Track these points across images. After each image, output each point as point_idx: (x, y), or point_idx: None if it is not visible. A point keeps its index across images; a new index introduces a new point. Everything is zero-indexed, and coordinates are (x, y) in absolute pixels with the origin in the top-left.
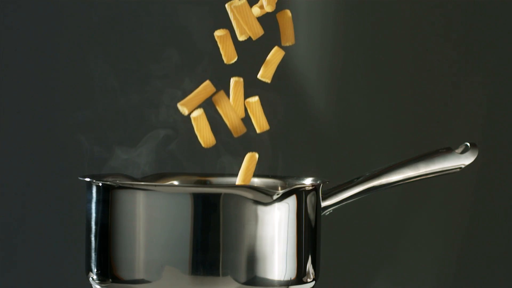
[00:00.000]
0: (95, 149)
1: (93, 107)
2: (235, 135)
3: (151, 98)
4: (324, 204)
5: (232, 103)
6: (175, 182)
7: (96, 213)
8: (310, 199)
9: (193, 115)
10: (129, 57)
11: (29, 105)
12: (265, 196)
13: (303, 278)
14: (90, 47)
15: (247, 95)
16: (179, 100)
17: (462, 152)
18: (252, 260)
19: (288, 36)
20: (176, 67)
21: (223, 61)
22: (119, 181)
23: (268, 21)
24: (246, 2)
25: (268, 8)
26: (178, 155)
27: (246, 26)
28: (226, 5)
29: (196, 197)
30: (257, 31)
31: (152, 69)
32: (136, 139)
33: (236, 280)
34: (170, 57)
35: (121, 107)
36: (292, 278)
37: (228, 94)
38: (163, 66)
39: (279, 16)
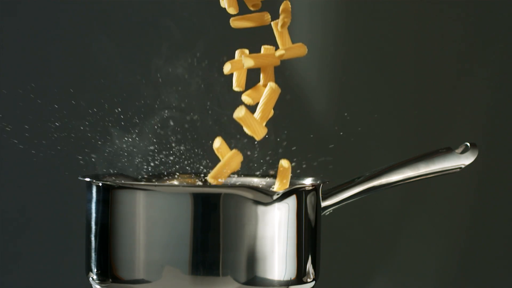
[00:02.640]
0: (93, 136)
1: (92, 95)
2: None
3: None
4: (324, 204)
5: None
6: (175, 182)
7: (96, 213)
8: (310, 199)
9: (238, 115)
10: (128, 38)
11: (28, 100)
12: (265, 196)
13: (303, 278)
14: (89, 30)
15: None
16: (178, 81)
17: (462, 152)
18: (252, 260)
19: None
20: (175, 44)
21: (220, 38)
22: (119, 181)
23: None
24: (247, 112)
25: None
26: (177, 143)
27: (250, 130)
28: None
29: (196, 197)
30: (260, 133)
31: (151, 48)
32: (136, 125)
33: (236, 280)
34: (168, 35)
35: (121, 91)
36: (292, 278)
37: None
38: (162, 45)
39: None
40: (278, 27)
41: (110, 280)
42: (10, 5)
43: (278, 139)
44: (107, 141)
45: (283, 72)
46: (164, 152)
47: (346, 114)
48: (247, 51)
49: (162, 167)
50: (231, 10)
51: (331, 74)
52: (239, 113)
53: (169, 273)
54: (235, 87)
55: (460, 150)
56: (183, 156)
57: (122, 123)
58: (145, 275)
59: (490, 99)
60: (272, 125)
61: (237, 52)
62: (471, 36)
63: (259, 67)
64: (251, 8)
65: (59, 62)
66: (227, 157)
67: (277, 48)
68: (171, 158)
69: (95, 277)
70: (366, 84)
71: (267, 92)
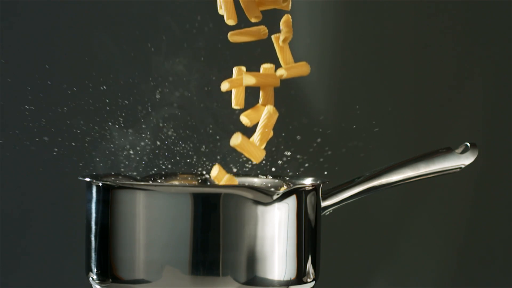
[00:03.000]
0: (93, 133)
1: (91, 93)
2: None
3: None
4: (324, 204)
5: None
6: (175, 182)
7: (96, 213)
8: (310, 199)
9: (235, 143)
10: (128, 34)
11: (29, 98)
12: (265, 196)
13: (303, 278)
14: (90, 26)
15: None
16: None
17: (462, 152)
18: (252, 260)
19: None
20: (174, 41)
21: (219, 35)
22: (119, 181)
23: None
24: (244, 138)
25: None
26: (176, 137)
27: (247, 155)
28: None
29: (196, 197)
30: (259, 156)
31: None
32: (136, 122)
33: (236, 280)
34: (168, 32)
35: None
36: (292, 278)
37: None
38: (161, 42)
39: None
40: (279, 42)
41: (110, 280)
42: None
43: (281, 139)
44: (107, 139)
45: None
46: (164, 148)
47: (346, 114)
48: (244, 68)
49: (161, 164)
50: (230, 22)
51: (330, 74)
52: (236, 140)
53: (169, 273)
54: (235, 106)
55: (460, 150)
56: (182, 148)
57: (122, 120)
58: (145, 275)
59: (490, 99)
60: (274, 127)
61: (235, 70)
62: (471, 36)
63: (259, 86)
64: (252, 20)
65: (57, 59)
66: (223, 182)
67: (277, 66)
68: (170, 155)
69: (95, 277)
70: (366, 84)
71: (265, 116)
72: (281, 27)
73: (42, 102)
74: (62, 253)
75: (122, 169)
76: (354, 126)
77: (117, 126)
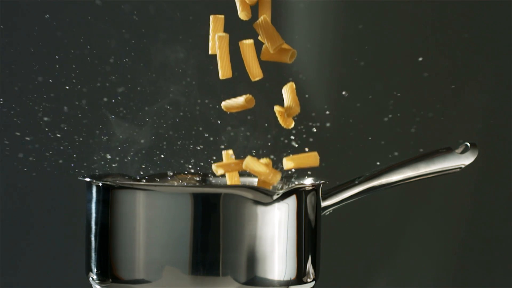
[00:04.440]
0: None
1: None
2: None
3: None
4: (324, 204)
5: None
6: (175, 182)
7: (96, 213)
8: (310, 199)
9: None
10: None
11: (29, 94)
12: (265, 196)
13: (303, 278)
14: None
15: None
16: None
17: (462, 152)
18: (252, 260)
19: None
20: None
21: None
22: (119, 181)
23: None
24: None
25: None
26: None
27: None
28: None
29: (196, 197)
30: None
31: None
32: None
33: (236, 280)
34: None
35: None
36: (292, 278)
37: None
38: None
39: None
40: (284, 115)
41: (110, 280)
42: None
43: (281, 138)
44: (107, 138)
45: (284, 72)
46: (160, 145)
47: (346, 114)
48: (231, 151)
49: (159, 162)
50: (225, 78)
51: (330, 74)
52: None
53: (169, 273)
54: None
55: (460, 150)
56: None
57: (121, 120)
58: (145, 275)
59: (490, 99)
60: (272, 125)
61: (224, 154)
62: (471, 36)
63: (257, 176)
64: (253, 80)
65: (57, 59)
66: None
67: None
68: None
69: (95, 277)
70: (366, 84)
71: None
72: (285, 100)
73: (41, 102)
74: (62, 253)
75: (122, 169)
76: (354, 126)
77: (117, 125)
